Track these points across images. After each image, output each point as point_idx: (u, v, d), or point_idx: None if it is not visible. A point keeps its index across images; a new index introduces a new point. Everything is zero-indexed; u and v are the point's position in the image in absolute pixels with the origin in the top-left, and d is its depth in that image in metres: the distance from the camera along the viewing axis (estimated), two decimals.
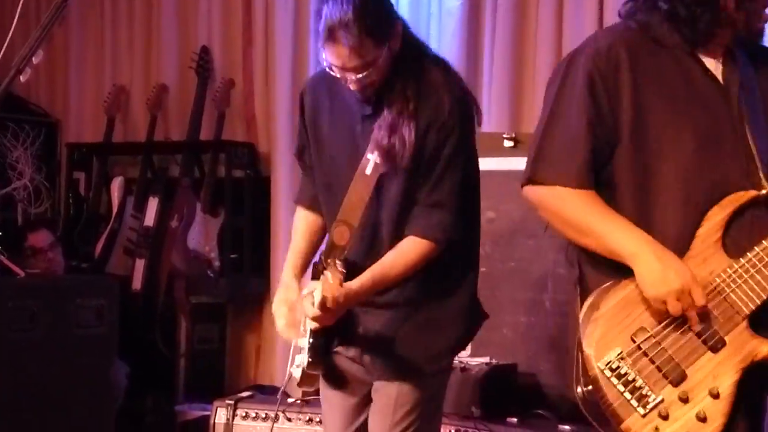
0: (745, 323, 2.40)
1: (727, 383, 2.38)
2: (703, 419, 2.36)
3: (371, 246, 2.95)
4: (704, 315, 2.41)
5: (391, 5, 2.89)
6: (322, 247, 3.01)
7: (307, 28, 5.45)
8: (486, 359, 4.22)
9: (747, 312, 2.40)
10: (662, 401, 2.38)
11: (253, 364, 5.69)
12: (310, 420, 4.26)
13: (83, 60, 6.33)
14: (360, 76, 2.78)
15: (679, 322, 2.39)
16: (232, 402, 4.34)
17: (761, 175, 2.44)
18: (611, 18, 4.45)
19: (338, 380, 3.07)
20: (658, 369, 2.40)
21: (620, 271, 2.41)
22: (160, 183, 5.77)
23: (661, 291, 2.37)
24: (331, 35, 2.72)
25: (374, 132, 2.88)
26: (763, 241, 2.41)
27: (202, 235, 5.58)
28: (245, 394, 4.61)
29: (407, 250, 2.88)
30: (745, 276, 2.41)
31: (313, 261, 2.97)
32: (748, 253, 2.41)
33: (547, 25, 4.88)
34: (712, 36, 2.42)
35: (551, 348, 4.20)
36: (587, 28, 4.59)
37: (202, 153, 5.70)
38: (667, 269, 2.37)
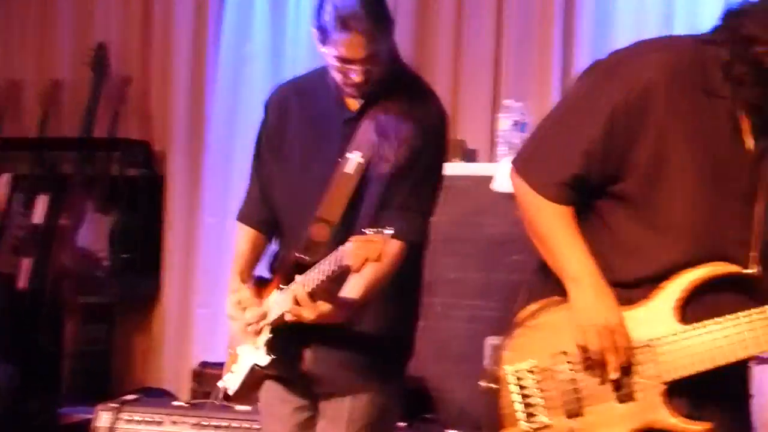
0: (662, 389, 2.40)
1: None
2: None
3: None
4: (628, 366, 2.41)
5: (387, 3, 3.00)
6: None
7: (206, 28, 5.49)
8: None
9: (668, 379, 2.39)
10: (548, 427, 2.44)
11: (140, 367, 5.65)
12: (197, 424, 4.26)
13: None
14: (366, 68, 2.84)
15: (602, 362, 2.42)
16: (116, 405, 4.31)
17: (752, 254, 2.44)
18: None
19: (294, 371, 3.05)
20: (560, 396, 2.44)
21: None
22: (51, 181, 5.71)
23: (584, 321, 2.41)
24: (344, 25, 2.78)
25: (362, 134, 2.93)
26: (718, 318, 2.39)
27: (92, 233, 5.53)
28: (131, 397, 4.59)
29: (388, 253, 2.89)
30: (684, 345, 2.40)
31: (292, 257, 2.92)
32: (696, 324, 2.39)
33: (447, 27, 5.01)
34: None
35: (440, 352, 4.23)
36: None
37: (95, 150, 5.62)
38: (599, 303, 2.41)
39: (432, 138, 2.93)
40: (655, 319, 2.40)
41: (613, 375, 2.38)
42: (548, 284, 2.51)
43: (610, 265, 2.46)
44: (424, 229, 2.99)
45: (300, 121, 3.08)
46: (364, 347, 3.00)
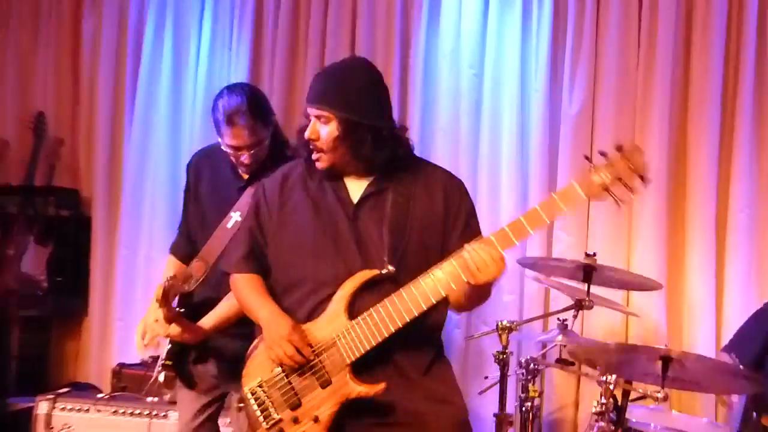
0: (347, 369, 2.69)
1: (326, 413, 2.70)
2: None
3: (220, 280, 3.21)
4: (320, 361, 2.71)
5: (268, 100, 3.31)
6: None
7: (122, 101, 5.82)
8: None
9: (349, 360, 2.70)
10: (281, 420, 2.75)
11: (72, 366, 5.91)
12: (115, 411, 4.70)
13: None
14: (253, 152, 3.15)
15: (306, 367, 2.72)
16: (52, 396, 4.67)
17: (385, 258, 2.74)
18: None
19: (191, 383, 3.36)
20: (282, 396, 2.75)
21: None
22: (0, 218, 5.86)
23: (268, 340, 2.78)
24: (230, 120, 3.11)
25: (243, 199, 3.21)
26: (371, 309, 2.68)
27: (33, 261, 5.77)
28: (64, 390, 4.97)
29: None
30: (353, 333, 2.69)
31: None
32: (359, 317, 2.70)
33: None
34: (342, 169, 2.81)
35: None
36: None
37: (35, 195, 5.90)
38: (273, 325, 2.76)
39: None
40: (333, 321, 2.72)
41: (311, 368, 2.71)
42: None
43: (279, 299, 2.86)
44: None
45: (209, 183, 3.38)
46: (226, 358, 3.27)
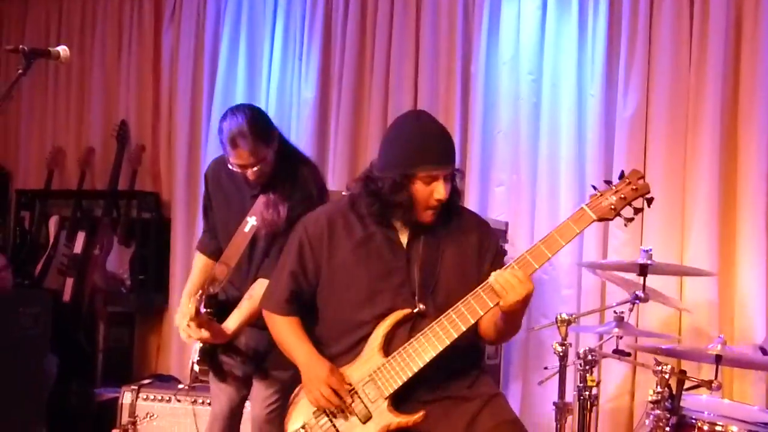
0: (387, 402, 2.76)
1: None
2: None
3: (243, 280, 3.38)
4: (360, 398, 2.77)
5: (270, 119, 3.34)
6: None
7: (200, 109, 5.96)
8: None
9: (387, 393, 2.76)
10: None
11: (155, 359, 6.07)
12: (194, 401, 4.71)
13: (30, 124, 6.72)
14: (256, 169, 3.21)
15: (343, 408, 2.78)
16: (136, 387, 4.75)
17: (415, 298, 2.82)
18: (425, 98, 5.36)
19: (222, 375, 3.47)
20: None
21: None
22: (87, 221, 6.12)
23: (307, 383, 2.85)
24: (233, 143, 3.17)
25: (257, 206, 3.27)
26: (406, 345, 2.76)
27: (117, 261, 5.93)
28: (147, 381, 5.05)
29: (258, 293, 3.20)
30: (388, 367, 2.76)
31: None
32: (394, 353, 2.77)
33: (377, 110, 5.55)
34: (390, 215, 2.84)
35: None
36: (407, 105, 5.38)
37: (119, 199, 6.09)
38: (313, 369, 2.83)
39: (304, 207, 3.20)
40: (369, 360, 2.80)
41: (346, 403, 2.77)
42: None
43: (324, 344, 2.93)
44: None
45: (225, 190, 3.45)
46: (275, 355, 3.29)
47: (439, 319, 2.73)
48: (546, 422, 4.59)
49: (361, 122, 5.63)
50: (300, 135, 5.72)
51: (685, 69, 4.96)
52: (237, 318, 3.28)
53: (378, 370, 2.75)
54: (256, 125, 3.19)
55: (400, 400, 2.76)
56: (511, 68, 5.32)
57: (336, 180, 5.54)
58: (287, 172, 3.27)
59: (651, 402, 3.43)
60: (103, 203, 6.09)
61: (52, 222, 6.36)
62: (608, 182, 2.77)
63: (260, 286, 3.21)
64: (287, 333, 2.90)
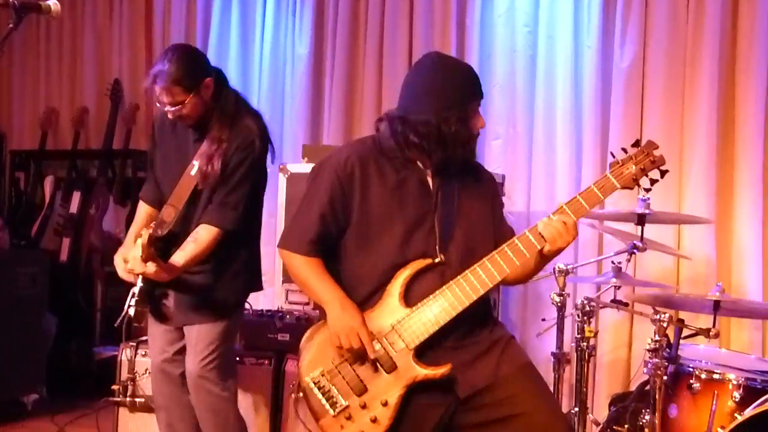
0: (412, 353, 2.75)
1: (394, 396, 2.74)
2: (374, 421, 2.75)
3: (186, 222, 3.41)
4: (384, 347, 2.76)
5: (203, 67, 3.36)
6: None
7: None
8: None
9: (413, 346, 2.76)
10: (348, 407, 2.76)
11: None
12: None
13: (23, 86, 6.73)
14: (173, 109, 3.29)
15: (360, 351, 2.75)
16: (134, 344, 4.66)
17: (437, 248, 2.81)
18: (420, 52, 5.08)
19: (161, 316, 3.52)
20: (348, 384, 2.77)
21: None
22: (82, 181, 6.20)
23: (334, 328, 2.78)
24: (153, 80, 3.28)
25: (200, 149, 3.35)
26: (430, 296, 2.75)
27: (113, 220, 6.00)
28: (144, 338, 4.50)
29: (203, 237, 3.33)
30: (414, 319, 2.76)
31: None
32: (418, 303, 2.76)
33: (372, 65, 5.56)
34: (419, 156, 2.83)
35: None
36: (401, 67, 5.35)
37: (114, 159, 6.15)
38: (343, 314, 2.77)
39: (244, 155, 3.32)
40: (390, 310, 2.78)
41: (372, 355, 2.75)
42: (320, 315, 2.90)
43: (351, 288, 2.86)
44: (236, 219, 3.35)
45: (171, 136, 3.51)
46: (199, 293, 3.40)
47: (473, 267, 2.75)
48: (544, 373, 4.52)
49: (356, 77, 5.63)
50: (295, 91, 5.73)
51: (683, 18, 4.93)
52: (183, 256, 3.30)
53: (403, 321, 2.74)
54: (177, 70, 3.23)
55: (425, 346, 2.77)
56: (507, 20, 5.32)
57: (331, 135, 5.57)
58: (228, 119, 3.32)
59: (649, 350, 3.44)
60: (98, 163, 6.15)
61: (48, 182, 6.39)
62: (625, 150, 2.83)
63: (204, 230, 3.30)
64: (309, 273, 2.85)
